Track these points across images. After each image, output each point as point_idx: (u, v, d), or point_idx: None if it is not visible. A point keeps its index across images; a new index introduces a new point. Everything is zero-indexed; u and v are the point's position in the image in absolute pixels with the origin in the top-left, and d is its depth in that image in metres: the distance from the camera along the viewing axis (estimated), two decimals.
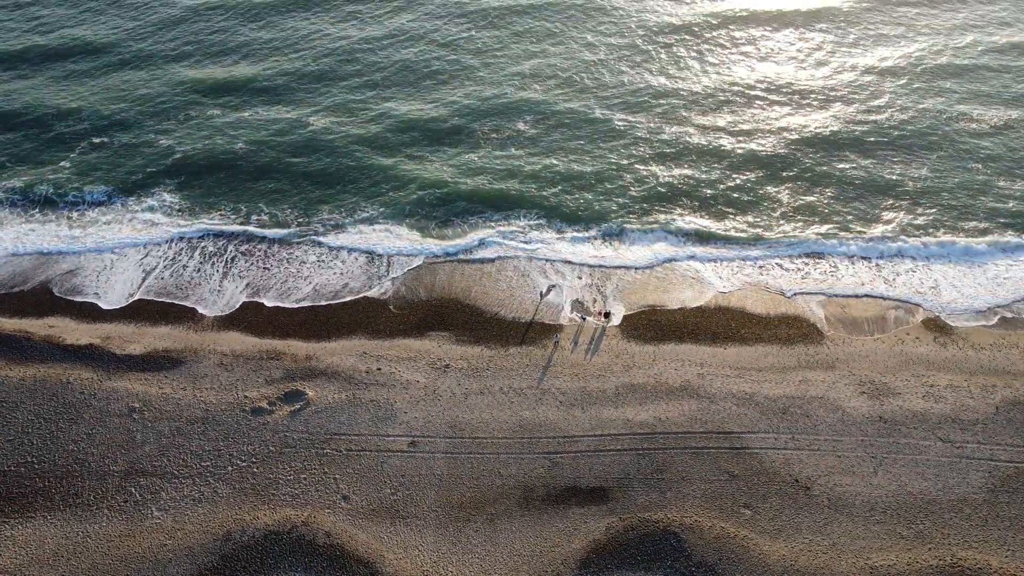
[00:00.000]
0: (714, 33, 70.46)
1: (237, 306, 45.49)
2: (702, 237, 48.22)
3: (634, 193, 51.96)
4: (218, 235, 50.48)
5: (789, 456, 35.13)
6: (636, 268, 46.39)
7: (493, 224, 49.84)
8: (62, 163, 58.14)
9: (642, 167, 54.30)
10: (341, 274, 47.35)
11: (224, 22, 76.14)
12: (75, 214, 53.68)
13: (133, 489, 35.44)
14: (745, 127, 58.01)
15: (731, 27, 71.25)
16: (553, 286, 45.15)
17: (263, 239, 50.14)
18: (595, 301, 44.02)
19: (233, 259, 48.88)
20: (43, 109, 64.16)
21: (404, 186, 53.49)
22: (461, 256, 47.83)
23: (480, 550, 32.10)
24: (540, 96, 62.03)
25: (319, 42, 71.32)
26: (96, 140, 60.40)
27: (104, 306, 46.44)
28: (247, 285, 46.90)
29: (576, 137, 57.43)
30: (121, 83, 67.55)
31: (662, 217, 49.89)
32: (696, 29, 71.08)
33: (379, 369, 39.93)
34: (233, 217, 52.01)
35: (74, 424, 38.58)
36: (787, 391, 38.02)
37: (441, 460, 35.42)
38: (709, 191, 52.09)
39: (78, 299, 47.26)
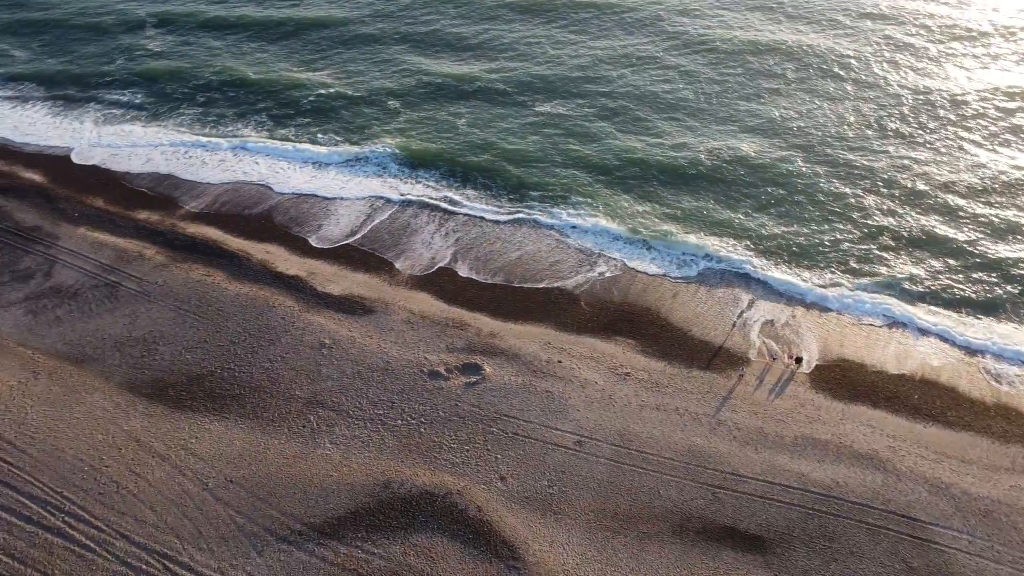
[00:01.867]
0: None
1: (433, 269, 48.36)
2: (926, 300, 45.66)
3: (859, 240, 49.96)
4: (432, 206, 53.72)
5: (983, 566, 32.92)
6: (839, 315, 44.79)
7: (709, 245, 49.71)
8: (300, 118, 64.41)
9: (881, 214, 52.02)
10: (542, 259, 49.03)
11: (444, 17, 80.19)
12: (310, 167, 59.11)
13: (312, 417, 38.88)
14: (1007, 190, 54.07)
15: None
16: (749, 315, 44.53)
17: (473, 212, 52.97)
18: (790, 343, 43.02)
19: (440, 226, 51.98)
20: (284, 80, 70.95)
21: (620, 203, 54.35)
22: (672, 274, 48.04)
23: (624, 565, 32.64)
24: (774, 150, 60.83)
25: (550, 51, 73.46)
26: (331, 104, 66.07)
27: (315, 244, 50.88)
28: (447, 252, 49.72)
29: (804, 178, 55.92)
30: (353, 59, 73.29)
31: (884, 271, 47.70)
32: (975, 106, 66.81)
33: (560, 362, 41.21)
34: (449, 186, 55.16)
35: (272, 345, 42.76)
36: (994, 493, 35.55)
37: (603, 466, 36.19)
38: (951, 257, 49.04)
39: (295, 231, 52.08)
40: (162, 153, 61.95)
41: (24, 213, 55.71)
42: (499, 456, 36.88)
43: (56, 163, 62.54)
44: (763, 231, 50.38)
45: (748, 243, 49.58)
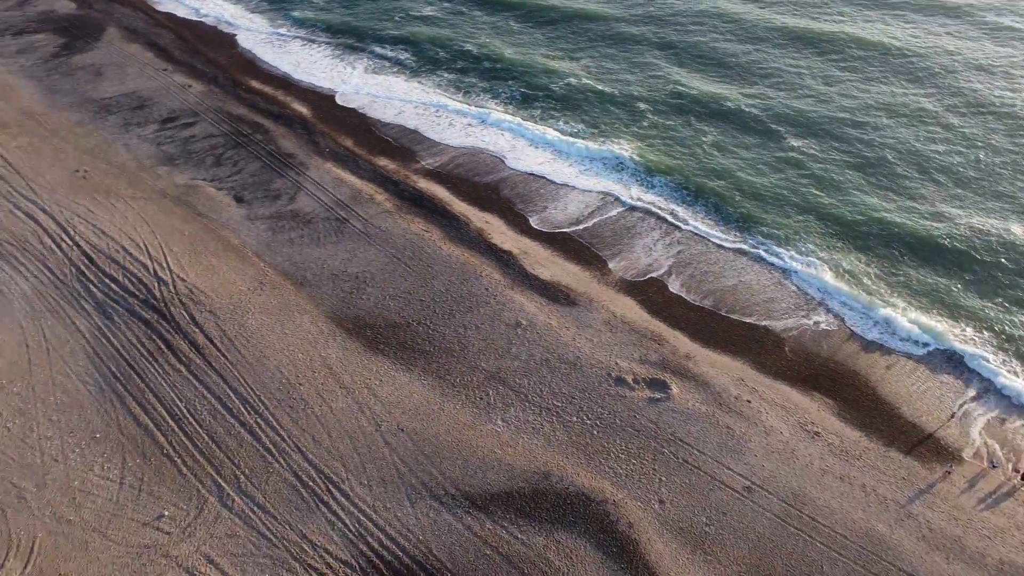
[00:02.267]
0: None
1: (645, 278, 47.79)
2: None
3: None
4: (659, 216, 53.05)
5: None
6: None
7: (945, 328, 45.49)
8: (546, 103, 65.58)
9: None
10: (757, 294, 47.14)
11: (716, 34, 78.14)
12: (546, 150, 60.33)
13: (491, 391, 39.78)
14: None
15: None
16: (973, 410, 40.37)
17: (699, 231, 51.81)
18: (1021, 454, 38.56)
19: (663, 236, 51.27)
20: (538, 64, 72.32)
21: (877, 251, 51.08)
22: (893, 345, 44.51)
23: None
24: None
25: (814, 85, 69.90)
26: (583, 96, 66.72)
27: (535, 224, 51.87)
28: (664, 263, 48.98)
29: None
30: (611, 56, 73.37)
31: None
32: None
33: (748, 401, 39.49)
34: (678, 201, 54.30)
35: (470, 312, 44.15)
36: None
37: (768, 521, 34.32)
38: None
39: (518, 208, 53.39)
40: (414, 108, 65.84)
41: (286, 140, 61.18)
42: (663, 479, 35.96)
43: (322, 101, 68.18)
44: (1015, 328, 45.36)
45: (992, 336, 44.75)
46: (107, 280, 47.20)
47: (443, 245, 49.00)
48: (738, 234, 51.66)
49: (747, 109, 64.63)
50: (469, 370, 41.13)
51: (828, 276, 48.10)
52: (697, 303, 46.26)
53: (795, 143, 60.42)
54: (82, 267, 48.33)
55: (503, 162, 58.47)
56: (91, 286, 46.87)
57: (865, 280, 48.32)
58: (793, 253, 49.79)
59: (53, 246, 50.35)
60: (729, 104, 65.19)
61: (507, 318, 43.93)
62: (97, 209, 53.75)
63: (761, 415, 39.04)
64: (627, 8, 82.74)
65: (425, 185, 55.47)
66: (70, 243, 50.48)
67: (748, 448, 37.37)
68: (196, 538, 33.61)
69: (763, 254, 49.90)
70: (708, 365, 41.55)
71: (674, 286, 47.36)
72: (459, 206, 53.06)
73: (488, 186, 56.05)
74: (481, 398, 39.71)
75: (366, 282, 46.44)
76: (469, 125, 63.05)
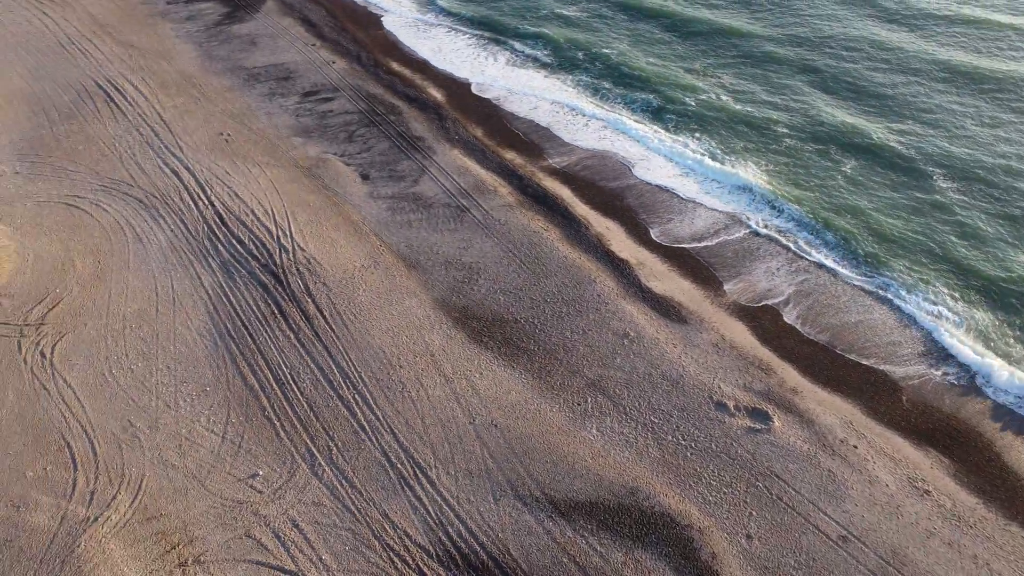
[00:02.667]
0: None
1: (759, 304, 46.34)
2: None
3: None
4: (784, 244, 51.15)
5: None
6: None
7: None
8: (679, 117, 64.34)
9: None
10: (879, 335, 44.92)
11: (868, 61, 74.48)
12: (675, 163, 59.40)
13: (589, 399, 39.46)
14: None
15: None
16: None
17: (825, 263, 49.79)
18: None
19: (787, 264, 49.47)
20: (675, 76, 70.91)
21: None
22: None
23: None
24: None
25: (973, 127, 65.80)
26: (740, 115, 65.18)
27: (655, 236, 51.12)
28: (784, 291, 47.33)
29: None
30: (751, 76, 71.18)
31: None
32: None
33: (855, 447, 37.68)
34: (806, 230, 52.28)
35: (578, 317, 43.92)
36: None
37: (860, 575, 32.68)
38: None
39: (640, 218, 52.73)
40: (548, 105, 65.93)
41: (417, 123, 62.50)
42: (754, 513, 34.77)
43: (457, 89, 69.27)
44: None
45: None
46: (234, 241, 49.43)
47: (560, 246, 48.89)
48: (866, 272, 49.25)
49: (893, 145, 61.49)
50: (570, 375, 40.92)
51: (962, 329, 45.34)
52: (812, 337, 44.43)
53: (942, 185, 57.11)
54: (213, 226, 50.78)
55: (630, 170, 57.83)
56: (219, 245, 49.19)
57: (1002, 340, 45.25)
58: (925, 300, 47.11)
59: (191, 203, 53.13)
60: (873, 138, 62.21)
61: (615, 327, 43.44)
62: (234, 172, 56.37)
63: (867, 463, 37.18)
64: (776, 27, 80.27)
65: (550, 183, 55.47)
66: (206, 202, 53.14)
67: (848, 496, 35.67)
68: (285, 501, 34.80)
69: (891, 296, 47.42)
70: (815, 402, 39.87)
71: (789, 316, 45.67)
72: (581, 208, 52.81)
73: (613, 192, 55.56)
74: (578, 404, 39.43)
75: (478, 273, 46.88)
76: (601, 129, 62.60)
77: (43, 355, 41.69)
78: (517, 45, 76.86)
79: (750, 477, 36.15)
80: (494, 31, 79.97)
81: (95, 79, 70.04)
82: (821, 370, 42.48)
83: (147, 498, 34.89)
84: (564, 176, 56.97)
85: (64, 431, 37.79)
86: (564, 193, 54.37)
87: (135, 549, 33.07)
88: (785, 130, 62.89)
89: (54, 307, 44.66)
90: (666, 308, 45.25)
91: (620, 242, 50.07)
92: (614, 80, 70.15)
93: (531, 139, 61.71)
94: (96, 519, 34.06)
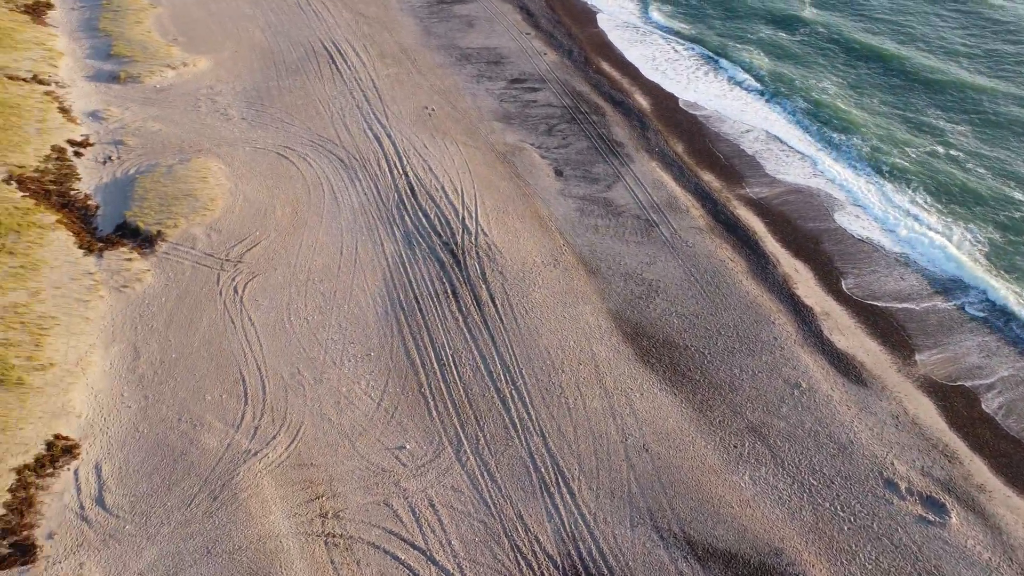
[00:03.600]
0: None
1: (956, 383, 42.49)
2: None
3: None
4: (997, 327, 46.60)
5: None
6: None
7: None
8: (895, 170, 60.04)
9: None
10: None
11: None
12: (884, 216, 55.63)
13: (747, 443, 37.67)
14: None
15: None
16: None
17: None
18: None
19: (995, 347, 44.97)
20: (894, 129, 65.90)
21: None
22: None
23: None
24: None
25: None
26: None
27: (847, 287, 48.08)
28: (989, 376, 43.04)
29: None
30: (989, 140, 65.09)
31: None
32: None
33: None
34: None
35: (750, 356, 42.03)
36: None
37: None
38: None
39: (835, 264, 49.72)
40: (755, 134, 63.40)
41: (619, 128, 61.91)
42: None
43: (664, 100, 68.03)
44: None
45: None
46: (420, 214, 50.80)
47: (744, 279, 46.94)
48: None
49: None
50: (732, 414, 39.20)
51: None
52: (1014, 433, 40.18)
53: None
54: (404, 196, 52.43)
55: (831, 214, 54.62)
56: (406, 215, 50.71)
57: None
58: None
59: (387, 169, 55.12)
60: None
61: (787, 375, 41.21)
62: (431, 146, 57.97)
63: None
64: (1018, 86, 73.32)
65: (744, 213, 53.37)
66: (400, 171, 54.94)
67: None
68: (425, 480, 35.37)
69: None
70: (1007, 508, 36.08)
71: (990, 404, 41.57)
72: (771, 245, 50.45)
73: (809, 233, 52.69)
74: (735, 446, 37.70)
75: (657, 292, 45.79)
76: (806, 167, 59.49)
77: (236, 291, 44.50)
78: (729, 67, 74.30)
79: (912, 572, 33.23)
80: (710, 48, 77.69)
81: (322, 40, 74.08)
82: (1020, 474, 38.39)
83: (302, 445, 36.48)
84: (760, 208, 54.60)
85: (242, 365, 40.18)
86: (757, 226, 52.13)
87: (284, 490, 34.65)
88: (1017, 212, 56.90)
89: (252, 248, 47.58)
90: (846, 366, 42.45)
91: (807, 287, 47.42)
92: (825, 119, 66.38)
93: (732, 164, 59.58)
94: (256, 454, 36.00)
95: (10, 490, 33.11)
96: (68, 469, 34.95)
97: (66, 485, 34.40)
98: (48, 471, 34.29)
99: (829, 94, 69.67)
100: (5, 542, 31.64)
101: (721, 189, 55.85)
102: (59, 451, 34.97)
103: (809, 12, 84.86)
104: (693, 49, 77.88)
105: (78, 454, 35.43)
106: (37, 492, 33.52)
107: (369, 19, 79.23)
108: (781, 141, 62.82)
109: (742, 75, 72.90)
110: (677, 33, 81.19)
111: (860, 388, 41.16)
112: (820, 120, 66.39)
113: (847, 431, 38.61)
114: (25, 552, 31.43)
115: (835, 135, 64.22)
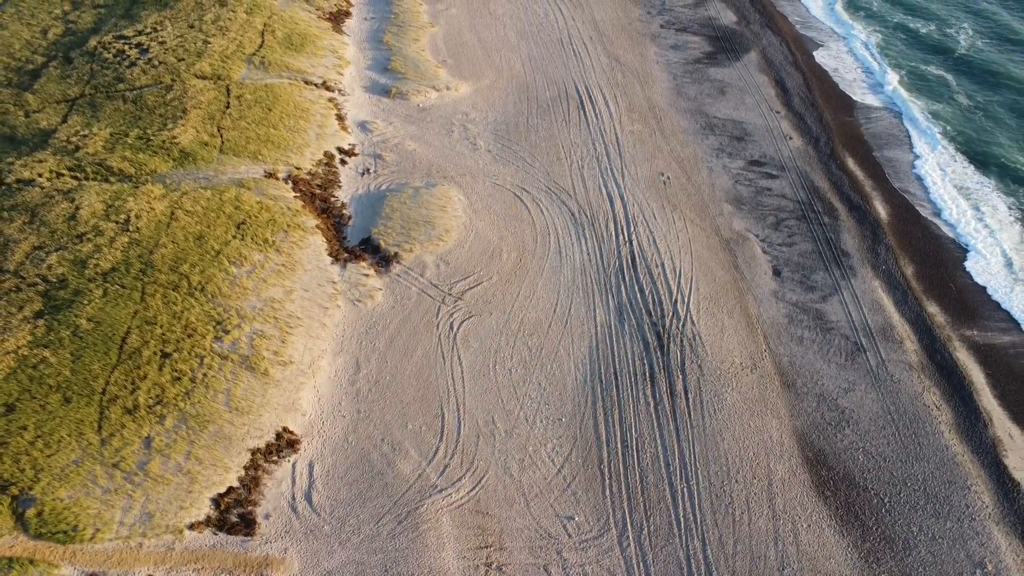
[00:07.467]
0: None
1: None
2: None
3: None
4: None
5: None
6: None
7: None
8: None
9: None
10: None
11: None
12: None
13: None
14: None
15: None
16: None
17: None
18: None
19: None
20: None
21: None
22: None
23: None
24: None
25: None
26: None
27: None
28: None
29: None
30: None
31: None
32: None
33: None
34: None
35: (934, 518, 41.54)
36: None
37: None
38: None
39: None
40: (1005, 273, 58.73)
41: (849, 235, 61.31)
42: None
43: (905, 213, 65.41)
44: None
45: None
46: (636, 288, 53.59)
47: (947, 432, 45.91)
48: None
49: None
50: (899, 571, 39.12)
51: None
52: None
53: None
54: (625, 265, 55.42)
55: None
56: (623, 286, 53.70)
57: None
58: None
59: (614, 233, 58.36)
60: None
61: (972, 550, 40.32)
62: (660, 217, 60.54)
63: None
64: None
65: (964, 357, 51.64)
66: (626, 238, 57.98)
67: None
68: (585, 555, 38.32)
69: None
70: None
71: None
72: (988, 400, 48.67)
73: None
74: None
75: (848, 423, 45.97)
76: None
77: (451, 327, 49.42)
78: (1004, 188, 67.97)
79: None
80: (978, 164, 71.42)
81: (576, 82, 78.41)
82: None
83: (483, 493, 40.53)
84: (984, 355, 52.49)
85: (443, 401, 44.92)
86: (976, 375, 50.44)
87: (459, 531, 38.84)
88: None
89: (474, 287, 52.44)
90: None
91: (1020, 458, 45.60)
92: None
93: (966, 300, 57.14)
94: (441, 491, 40.50)
95: (245, 467, 39.41)
96: (288, 461, 40.98)
97: (284, 475, 40.41)
98: (274, 458, 40.42)
99: None
100: (235, 511, 37.88)
101: (944, 325, 54.26)
102: (284, 443, 41.05)
103: None
104: (961, 164, 71.77)
105: (298, 449, 41.40)
106: (263, 475, 39.65)
107: (624, 67, 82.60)
108: None
109: (1015, 200, 66.81)
110: (954, 140, 74.88)
111: None
112: None
113: None
114: (248, 525, 37.52)
115: None
